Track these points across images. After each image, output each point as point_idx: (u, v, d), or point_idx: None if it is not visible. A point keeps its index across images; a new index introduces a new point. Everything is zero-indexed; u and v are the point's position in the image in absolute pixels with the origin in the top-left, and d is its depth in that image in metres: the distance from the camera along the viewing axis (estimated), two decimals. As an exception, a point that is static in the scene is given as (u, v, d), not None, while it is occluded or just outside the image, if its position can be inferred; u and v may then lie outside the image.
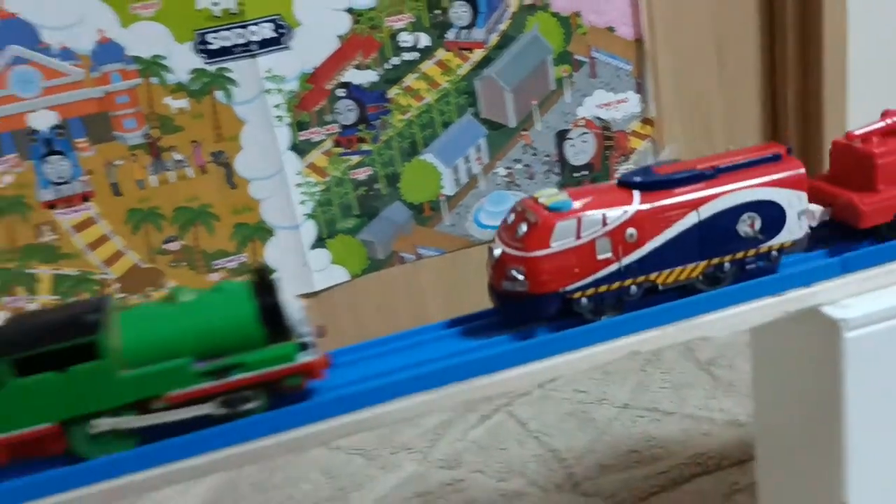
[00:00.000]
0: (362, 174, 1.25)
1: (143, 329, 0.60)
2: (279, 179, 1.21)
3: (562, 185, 1.35)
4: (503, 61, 1.26)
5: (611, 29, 1.30)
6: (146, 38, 1.10)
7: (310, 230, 1.25)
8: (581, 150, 1.35)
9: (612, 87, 1.33)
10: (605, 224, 0.65)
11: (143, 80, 1.11)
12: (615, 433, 1.09)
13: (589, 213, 0.64)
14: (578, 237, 0.64)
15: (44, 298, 1.15)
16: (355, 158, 1.24)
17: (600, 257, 0.65)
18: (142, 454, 0.60)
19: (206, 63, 1.13)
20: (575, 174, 1.35)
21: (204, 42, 1.12)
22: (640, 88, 1.35)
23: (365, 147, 1.24)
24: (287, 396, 0.62)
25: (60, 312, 0.61)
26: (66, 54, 1.07)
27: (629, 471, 1.01)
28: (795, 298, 0.70)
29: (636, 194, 0.66)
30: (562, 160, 1.34)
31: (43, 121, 1.08)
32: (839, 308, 0.70)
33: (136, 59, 1.10)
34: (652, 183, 0.66)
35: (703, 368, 1.19)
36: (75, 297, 1.15)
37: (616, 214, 0.65)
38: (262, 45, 1.14)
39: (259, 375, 0.61)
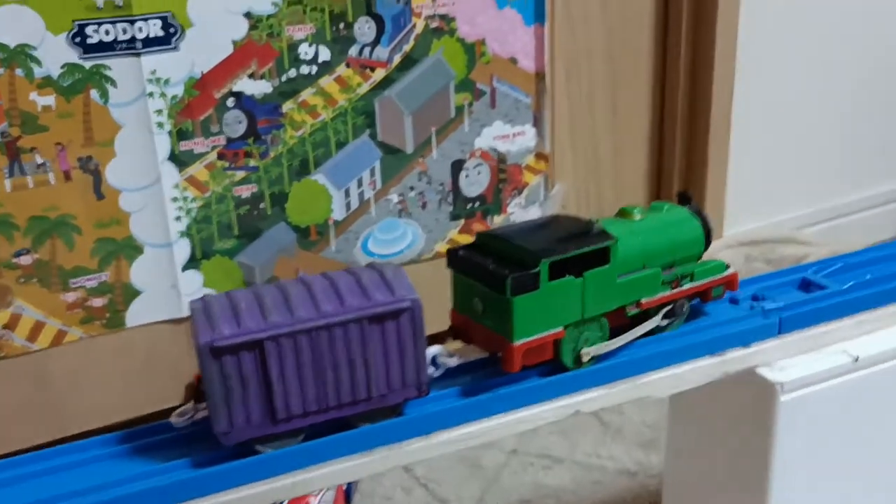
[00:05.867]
0: (246, 191, 1.16)
1: (621, 240, 0.62)
2: (154, 192, 1.10)
3: (454, 217, 1.31)
4: (404, 83, 1.21)
5: (513, 60, 1.28)
6: (14, 25, 0.96)
7: (183, 249, 1.14)
8: (475, 182, 1.31)
9: (510, 119, 1.30)
10: None
11: (6, 71, 0.98)
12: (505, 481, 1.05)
13: None
14: None
15: None
16: (240, 174, 1.15)
17: None
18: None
19: (82, 58, 1.01)
20: (468, 206, 1.31)
21: (82, 34, 1.00)
22: (536, 122, 1.33)
23: (252, 163, 1.15)
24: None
25: (561, 223, 0.63)
26: (-85, 32, 0.93)
27: (526, 522, 0.98)
28: (735, 359, 0.68)
29: None
30: (455, 190, 1.30)
31: None
32: (776, 370, 0.69)
33: (1, 48, 0.97)
34: None
35: (592, 413, 1.17)
36: None
37: None
38: (148, 43, 1.03)
39: (702, 285, 0.66)
